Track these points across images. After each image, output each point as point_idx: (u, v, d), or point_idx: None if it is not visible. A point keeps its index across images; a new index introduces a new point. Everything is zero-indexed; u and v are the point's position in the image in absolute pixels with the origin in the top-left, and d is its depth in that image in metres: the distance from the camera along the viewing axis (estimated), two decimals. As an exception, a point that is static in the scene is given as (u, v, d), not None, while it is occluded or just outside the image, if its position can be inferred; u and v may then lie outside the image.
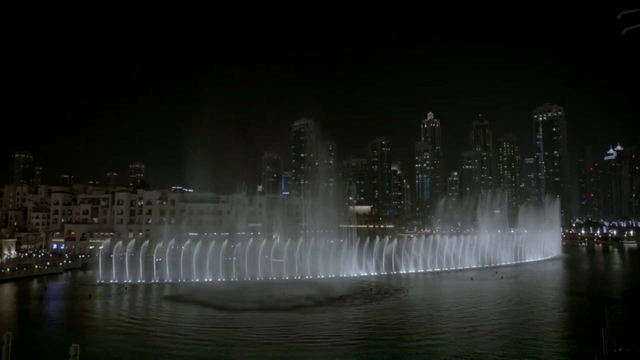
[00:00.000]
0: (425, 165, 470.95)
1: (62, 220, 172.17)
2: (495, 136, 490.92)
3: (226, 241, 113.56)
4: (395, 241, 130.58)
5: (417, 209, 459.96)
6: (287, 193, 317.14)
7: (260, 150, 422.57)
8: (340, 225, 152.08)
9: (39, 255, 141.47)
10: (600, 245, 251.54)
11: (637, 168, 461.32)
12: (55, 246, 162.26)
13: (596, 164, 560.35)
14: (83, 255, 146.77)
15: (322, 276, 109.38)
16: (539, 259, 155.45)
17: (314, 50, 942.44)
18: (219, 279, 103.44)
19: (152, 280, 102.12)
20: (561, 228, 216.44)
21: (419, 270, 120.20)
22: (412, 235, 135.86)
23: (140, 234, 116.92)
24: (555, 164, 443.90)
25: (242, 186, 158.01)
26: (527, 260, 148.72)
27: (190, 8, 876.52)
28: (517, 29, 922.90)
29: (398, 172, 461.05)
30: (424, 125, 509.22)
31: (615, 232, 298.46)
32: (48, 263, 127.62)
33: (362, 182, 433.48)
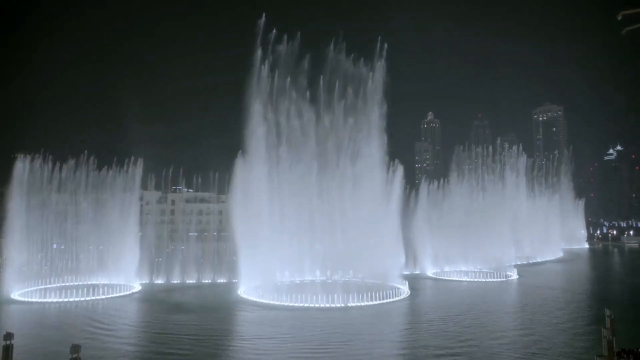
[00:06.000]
0: (425, 165, 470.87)
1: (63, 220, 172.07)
2: (495, 136, 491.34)
3: None
4: None
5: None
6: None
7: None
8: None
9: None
10: (600, 245, 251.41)
11: (637, 168, 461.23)
12: (55, 246, 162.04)
13: (596, 164, 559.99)
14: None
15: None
16: (539, 259, 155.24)
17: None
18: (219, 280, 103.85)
19: (152, 281, 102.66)
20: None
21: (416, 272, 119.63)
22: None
23: (140, 234, 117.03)
24: (555, 164, 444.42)
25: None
26: (527, 262, 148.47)
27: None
28: (517, 28, 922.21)
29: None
30: (424, 125, 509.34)
31: (615, 232, 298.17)
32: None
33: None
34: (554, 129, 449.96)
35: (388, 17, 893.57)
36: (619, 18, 25.70)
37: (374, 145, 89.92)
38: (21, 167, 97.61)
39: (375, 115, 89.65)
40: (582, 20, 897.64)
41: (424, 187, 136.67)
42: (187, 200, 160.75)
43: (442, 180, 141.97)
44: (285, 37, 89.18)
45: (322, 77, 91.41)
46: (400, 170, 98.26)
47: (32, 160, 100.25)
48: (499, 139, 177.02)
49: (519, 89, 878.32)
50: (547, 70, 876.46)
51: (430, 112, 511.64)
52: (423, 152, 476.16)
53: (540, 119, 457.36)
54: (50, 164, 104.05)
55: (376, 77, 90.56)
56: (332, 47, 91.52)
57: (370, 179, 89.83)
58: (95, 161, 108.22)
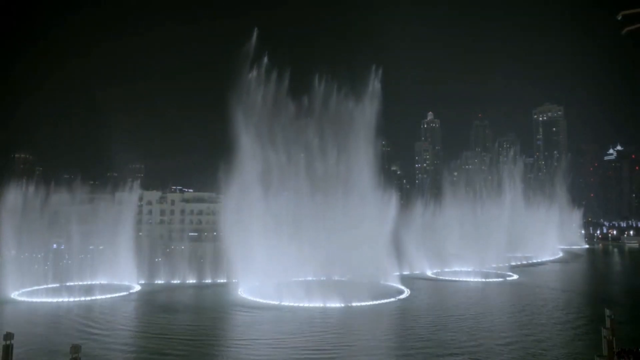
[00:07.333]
0: (425, 165, 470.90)
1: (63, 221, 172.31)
2: (495, 136, 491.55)
3: None
4: None
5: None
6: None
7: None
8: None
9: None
10: (600, 245, 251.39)
11: (637, 168, 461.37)
12: (55, 246, 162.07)
13: (596, 164, 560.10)
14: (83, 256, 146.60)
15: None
16: (538, 260, 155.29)
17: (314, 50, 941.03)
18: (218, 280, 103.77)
19: (152, 281, 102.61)
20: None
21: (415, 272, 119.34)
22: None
23: (140, 234, 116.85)
24: (555, 164, 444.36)
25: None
26: (526, 262, 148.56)
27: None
28: (517, 28, 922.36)
29: (398, 172, 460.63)
30: (424, 125, 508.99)
31: (615, 232, 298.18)
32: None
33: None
34: (554, 129, 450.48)
35: (389, 17, 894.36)
36: (619, 18, 25.67)
37: (368, 168, 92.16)
38: (21, 168, 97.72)
39: (369, 152, 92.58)
40: (582, 20, 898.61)
41: (423, 190, 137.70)
42: (187, 200, 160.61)
43: (441, 186, 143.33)
44: (275, 72, 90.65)
45: (307, 96, 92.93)
46: (395, 199, 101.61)
47: (32, 162, 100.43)
48: (497, 141, 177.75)
49: (519, 89, 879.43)
50: (547, 70, 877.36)
51: (430, 112, 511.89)
52: (423, 152, 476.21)
53: (540, 119, 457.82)
54: (51, 169, 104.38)
55: (369, 111, 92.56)
56: (323, 81, 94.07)
57: (367, 200, 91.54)
58: (96, 166, 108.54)
